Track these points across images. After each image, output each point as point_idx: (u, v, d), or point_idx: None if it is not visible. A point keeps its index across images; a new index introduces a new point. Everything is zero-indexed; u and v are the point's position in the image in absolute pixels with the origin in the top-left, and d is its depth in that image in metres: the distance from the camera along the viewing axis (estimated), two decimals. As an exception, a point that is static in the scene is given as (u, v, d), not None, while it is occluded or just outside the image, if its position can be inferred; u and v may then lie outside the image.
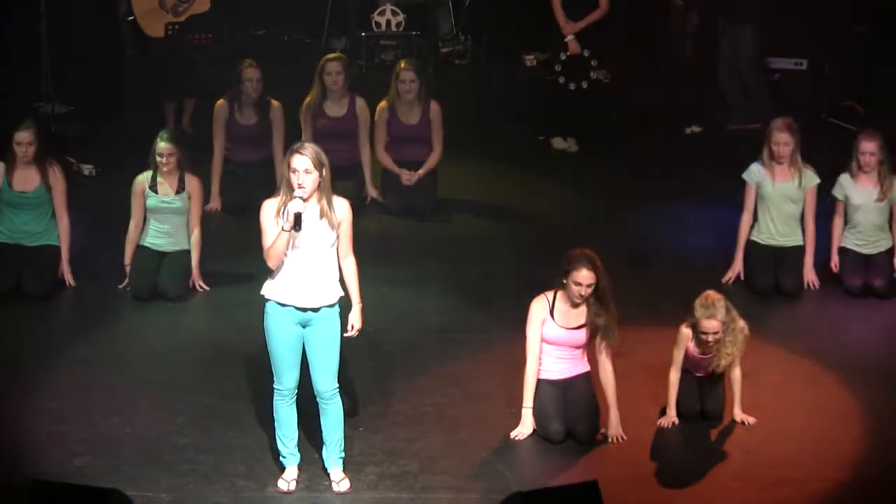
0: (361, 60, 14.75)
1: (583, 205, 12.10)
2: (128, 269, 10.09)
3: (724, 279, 10.20)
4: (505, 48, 15.54)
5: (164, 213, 10.08)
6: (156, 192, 10.05)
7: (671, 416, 8.33)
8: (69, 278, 10.18)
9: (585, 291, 8.03)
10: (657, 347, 8.75)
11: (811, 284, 10.25)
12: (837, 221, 10.31)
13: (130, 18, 13.98)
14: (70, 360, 9.16)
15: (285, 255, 7.42)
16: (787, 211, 10.22)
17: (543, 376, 8.19)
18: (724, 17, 13.86)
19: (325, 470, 7.73)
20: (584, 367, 8.28)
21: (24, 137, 10.03)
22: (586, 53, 13.14)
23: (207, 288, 10.13)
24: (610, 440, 8.14)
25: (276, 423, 7.69)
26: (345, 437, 7.70)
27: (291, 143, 7.80)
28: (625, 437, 8.15)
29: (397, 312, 9.80)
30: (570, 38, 13.13)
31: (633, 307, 8.83)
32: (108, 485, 7.17)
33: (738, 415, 8.35)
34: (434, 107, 11.81)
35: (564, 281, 8.08)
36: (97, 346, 9.35)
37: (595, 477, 6.99)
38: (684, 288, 8.71)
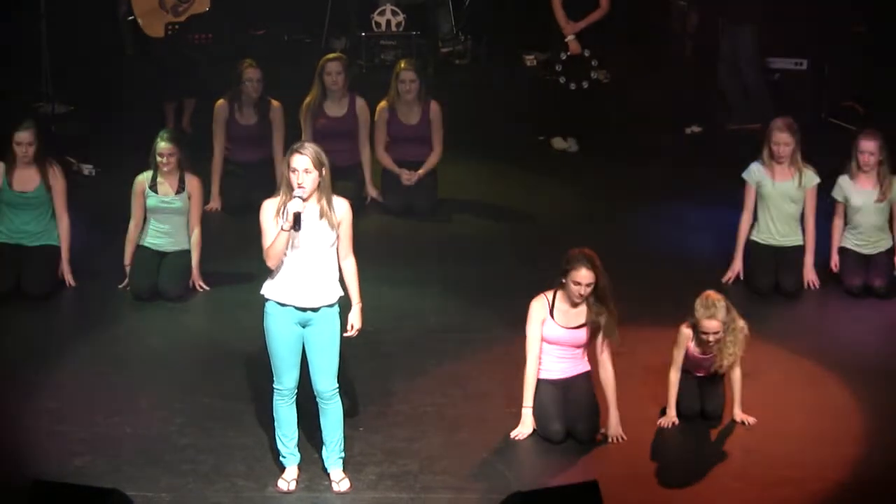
0: (361, 60, 14.75)
1: (583, 205, 12.10)
2: (128, 269, 10.09)
3: (724, 279, 10.20)
4: (505, 48, 15.54)
5: (165, 213, 10.08)
6: (156, 191, 10.05)
7: (671, 416, 8.33)
8: (69, 278, 10.18)
9: (585, 291, 8.03)
10: (657, 347, 8.76)
11: (811, 284, 10.25)
12: (837, 222, 10.31)
13: (130, 18, 13.98)
14: (70, 360, 9.16)
15: (285, 254, 7.42)
16: (787, 211, 10.22)
17: (544, 376, 8.19)
18: (724, 17, 13.86)
19: (324, 470, 7.73)
20: (584, 366, 8.28)
21: (24, 137, 10.03)
22: (587, 53, 13.14)
23: (207, 288, 10.13)
24: (610, 440, 8.14)
25: (275, 423, 7.69)
26: (345, 437, 7.70)
27: (291, 143, 7.80)
28: (625, 437, 8.15)
29: (397, 312, 9.80)
30: (570, 38, 13.13)
31: (633, 307, 8.82)
32: (108, 485, 7.17)
33: (738, 415, 8.35)
34: (434, 107, 11.81)
35: (564, 280, 8.08)
36: (97, 346, 9.35)
37: (595, 477, 6.99)
38: (684, 288, 8.71)
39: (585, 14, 13.14)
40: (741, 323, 8.21)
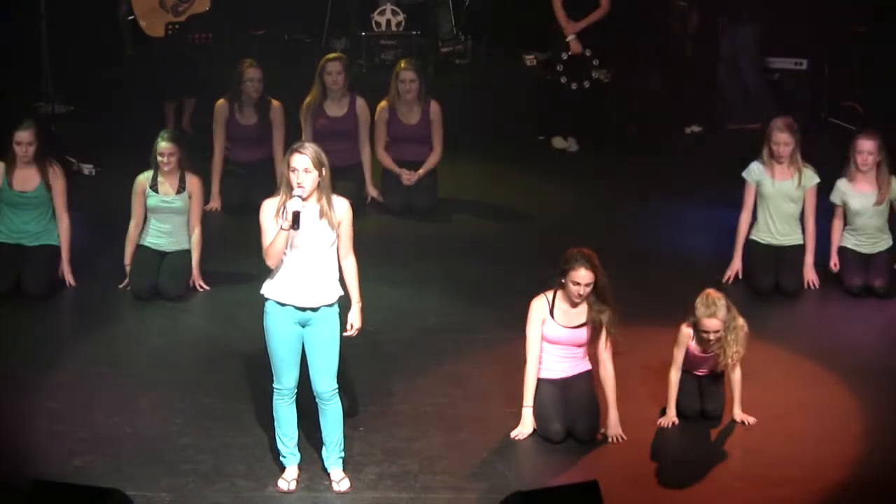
0: (361, 60, 14.73)
1: (583, 205, 12.10)
2: (128, 268, 10.09)
3: (724, 278, 10.20)
4: (505, 48, 15.53)
5: (165, 213, 10.08)
6: (156, 191, 10.05)
7: (671, 416, 8.33)
8: (69, 278, 10.18)
9: (584, 291, 8.03)
10: (657, 347, 8.76)
11: (811, 284, 10.25)
12: (836, 224, 10.30)
13: (130, 18, 13.98)
14: (70, 360, 9.16)
15: (284, 254, 7.42)
16: (787, 210, 10.22)
17: (544, 375, 8.19)
18: (724, 17, 13.86)
19: (324, 470, 7.73)
20: (585, 366, 8.28)
21: (24, 137, 10.03)
22: (588, 53, 13.15)
23: (207, 288, 10.13)
24: (610, 440, 8.14)
25: (275, 423, 7.69)
26: (344, 437, 7.70)
27: (291, 143, 7.81)
28: (624, 437, 8.15)
29: (397, 312, 9.81)
30: (571, 37, 13.14)
31: (633, 307, 8.82)
32: (108, 485, 7.17)
33: (738, 415, 8.35)
34: (434, 107, 11.81)
35: (563, 280, 8.08)
36: (97, 346, 9.35)
37: (595, 477, 6.98)
38: (684, 288, 8.72)
39: (586, 14, 13.15)
40: (741, 321, 8.21)
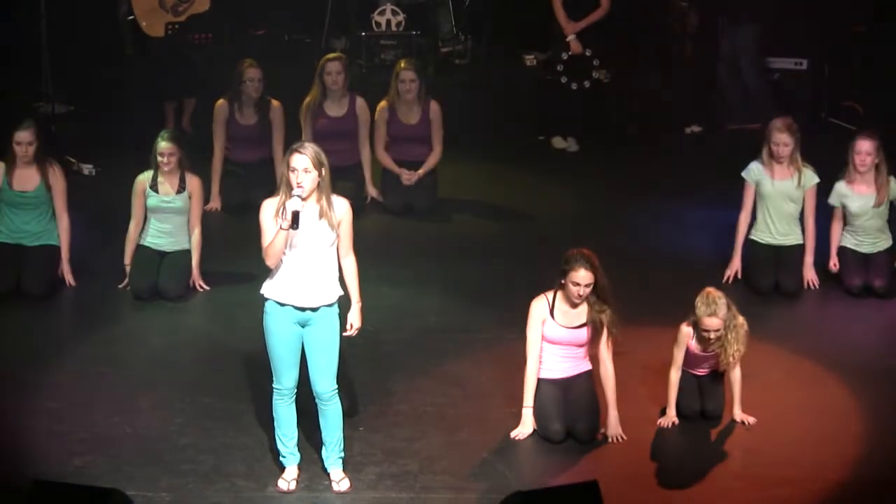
0: (361, 60, 14.74)
1: (583, 205, 12.10)
2: (128, 268, 10.09)
3: (724, 278, 10.20)
4: (505, 48, 15.53)
5: (165, 213, 10.08)
6: (156, 191, 10.05)
7: (671, 416, 8.33)
8: (69, 278, 10.18)
9: (584, 291, 8.02)
10: (657, 347, 8.76)
11: (811, 284, 10.25)
12: (836, 226, 10.28)
13: (130, 18, 13.98)
14: (70, 360, 9.16)
15: (284, 253, 7.42)
16: (786, 210, 10.22)
17: (545, 375, 8.19)
18: (724, 17, 13.86)
19: (324, 470, 7.73)
20: (586, 366, 8.28)
21: (24, 137, 10.03)
22: (588, 53, 13.15)
23: (207, 288, 10.13)
24: (609, 440, 8.14)
25: (275, 423, 7.69)
26: (344, 437, 7.70)
27: (291, 143, 7.81)
28: (624, 437, 8.15)
29: (397, 312, 9.81)
30: (571, 37, 13.14)
31: (633, 307, 8.82)
32: (108, 485, 7.17)
33: (738, 415, 8.35)
34: (434, 107, 11.81)
35: (563, 281, 8.08)
36: (97, 346, 9.35)
37: (595, 477, 6.98)
38: (684, 288, 8.71)
39: (586, 14, 13.15)
40: (741, 319, 8.21)
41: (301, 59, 14.56)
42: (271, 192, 7.62)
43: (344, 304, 7.59)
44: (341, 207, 7.50)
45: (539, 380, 8.17)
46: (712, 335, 8.14)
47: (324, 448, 7.71)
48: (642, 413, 8.40)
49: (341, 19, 15.50)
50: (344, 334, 7.61)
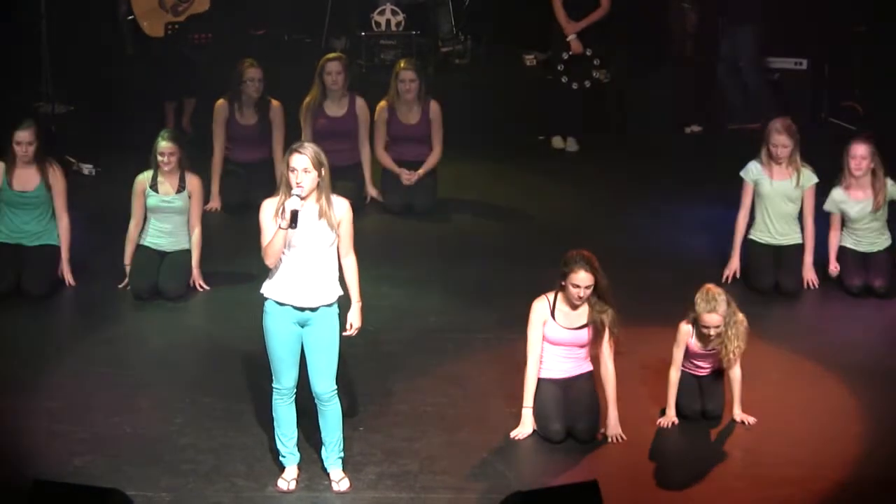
0: (361, 60, 14.74)
1: (583, 205, 12.10)
2: (128, 268, 10.09)
3: (723, 278, 10.20)
4: (505, 48, 15.53)
5: (165, 213, 10.08)
6: (156, 191, 10.05)
7: (671, 416, 8.32)
8: (69, 278, 10.18)
9: (584, 293, 8.02)
10: (657, 347, 8.75)
11: (811, 284, 10.25)
12: (833, 234, 10.26)
13: (130, 18, 13.98)
14: (70, 360, 9.15)
15: (283, 253, 7.42)
16: (785, 210, 10.22)
17: (546, 375, 8.18)
18: (724, 17, 13.86)
19: (324, 470, 7.73)
20: (587, 366, 8.27)
21: (24, 137, 10.03)
22: (588, 53, 13.15)
23: (207, 288, 10.13)
24: (609, 440, 8.14)
25: (275, 423, 7.69)
26: (344, 437, 7.70)
27: (291, 143, 7.81)
28: (624, 437, 8.15)
29: (397, 312, 9.81)
30: (572, 37, 13.14)
31: (633, 307, 8.81)
32: (108, 485, 7.16)
33: (738, 415, 8.35)
34: (434, 106, 11.81)
35: (563, 283, 8.07)
36: (97, 346, 9.35)
37: (595, 477, 6.98)
38: (684, 287, 8.70)
39: (586, 14, 13.15)
40: (741, 316, 8.21)
41: (301, 59, 14.56)
42: (271, 192, 7.61)
43: (344, 303, 7.59)
44: (341, 207, 7.50)
45: (540, 379, 8.17)
46: (712, 332, 8.14)
47: (323, 448, 7.71)
48: (642, 413, 8.40)
49: (341, 19, 15.49)
50: (344, 334, 7.61)
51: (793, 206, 10.22)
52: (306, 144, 7.47)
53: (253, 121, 11.71)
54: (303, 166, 7.34)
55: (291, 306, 7.47)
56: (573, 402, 8.15)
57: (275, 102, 11.73)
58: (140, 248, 10.09)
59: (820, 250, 10.29)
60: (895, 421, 8.42)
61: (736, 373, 8.31)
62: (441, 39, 15.34)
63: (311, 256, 7.43)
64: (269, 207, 7.46)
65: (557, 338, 8.15)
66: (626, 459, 8.00)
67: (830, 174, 10.29)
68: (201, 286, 10.13)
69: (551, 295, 8.17)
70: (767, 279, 10.16)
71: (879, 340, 9.58)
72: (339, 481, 7.67)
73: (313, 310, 7.48)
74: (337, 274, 7.54)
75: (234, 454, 7.97)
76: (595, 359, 8.24)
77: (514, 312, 8.75)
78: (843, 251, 10.28)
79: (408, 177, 11.75)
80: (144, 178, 10.10)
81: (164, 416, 8.39)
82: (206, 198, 11.15)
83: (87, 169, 12.54)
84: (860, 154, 10.13)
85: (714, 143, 13.55)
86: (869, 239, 10.26)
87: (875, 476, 7.84)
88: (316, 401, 7.59)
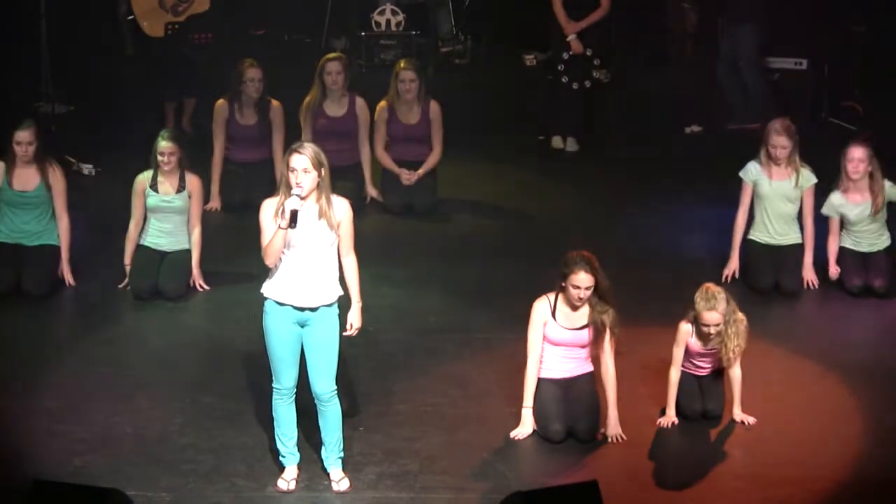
0: (361, 60, 14.75)
1: (583, 205, 12.10)
2: (128, 268, 10.09)
3: (722, 278, 10.19)
4: (505, 48, 15.54)
5: (165, 213, 10.08)
6: (156, 191, 10.05)
7: (671, 416, 8.32)
8: (69, 278, 10.18)
9: (584, 294, 8.02)
10: (657, 347, 8.75)
11: (811, 284, 10.24)
12: (832, 238, 10.25)
13: (130, 18, 13.99)
14: (70, 360, 9.15)
15: (283, 253, 7.42)
16: (784, 210, 10.21)
17: (547, 375, 8.18)
18: (724, 17, 13.87)
19: (324, 469, 7.73)
20: (588, 367, 8.27)
21: (23, 137, 10.03)
22: (588, 53, 13.15)
23: (207, 287, 10.13)
24: (609, 440, 8.14)
25: (275, 423, 7.69)
26: (344, 437, 7.70)
27: (291, 143, 7.81)
28: (624, 437, 8.15)
29: (397, 312, 9.80)
30: (572, 37, 13.14)
31: (633, 307, 8.82)
32: (108, 485, 7.16)
33: (738, 415, 8.35)
34: (434, 106, 11.81)
35: (563, 284, 8.07)
36: (97, 346, 9.35)
37: (595, 477, 6.98)
38: (684, 287, 8.70)
39: (586, 14, 13.14)
40: (741, 315, 8.21)
41: (301, 59, 14.57)
42: (271, 192, 7.62)
43: (344, 303, 7.59)
44: (341, 207, 7.50)
45: (540, 379, 8.17)
46: (712, 330, 8.14)
47: (323, 448, 7.71)
48: (642, 413, 8.40)
49: (341, 19, 15.51)
50: (344, 334, 7.61)
51: (792, 206, 10.22)
52: (306, 144, 7.47)
53: (253, 121, 11.70)
54: (302, 166, 7.34)
55: (291, 306, 7.47)
56: (574, 401, 8.15)
57: (275, 102, 11.73)
58: (140, 248, 10.09)
59: (820, 250, 10.29)
60: (895, 421, 8.42)
61: (736, 373, 8.30)
62: (441, 39, 15.36)
63: (310, 256, 7.43)
64: (269, 207, 7.46)
65: (558, 338, 8.15)
66: (626, 459, 8.00)
67: (830, 174, 10.28)
68: (201, 286, 10.13)
69: (552, 295, 8.16)
70: (767, 279, 10.16)
71: (879, 340, 9.58)
72: (339, 481, 7.67)
73: (313, 310, 7.48)
74: (337, 274, 7.54)
75: (234, 454, 7.97)
76: (595, 359, 8.24)
77: (514, 312, 8.75)
78: (842, 251, 10.28)
79: (408, 177, 11.75)
80: (144, 177, 10.10)
81: (164, 416, 8.39)
82: (206, 198, 11.15)
83: (87, 169, 12.54)
84: (857, 157, 10.13)
85: (714, 143, 13.55)
86: (868, 239, 10.27)
87: (875, 476, 7.84)
88: (316, 401, 7.58)
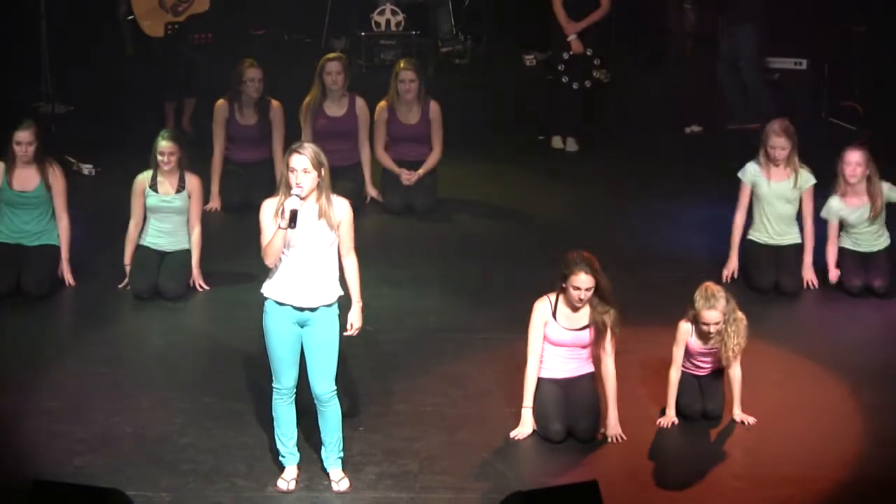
0: (361, 60, 14.74)
1: (583, 205, 12.09)
2: (128, 268, 10.09)
3: (722, 278, 10.19)
4: (505, 48, 15.54)
5: (165, 213, 10.08)
6: (156, 191, 10.06)
7: (671, 416, 8.32)
8: (69, 278, 10.18)
9: (585, 295, 8.02)
10: (657, 347, 8.75)
11: (810, 284, 10.24)
12: (831, 244, 10.22)
13: (130, 18, 13.99)
14: (70, 360, 9.15)
15: (283, 253, 7.42)
16: (783, 211, 10.21)
17: (547, 375, 8.18)
18: (724, 17, 13.86)
19: (324, 469, 7.73)
20: (589, 367, 8.27)
21: (23, 137, 10.03)
22: (589, 53, 13.15)
23: (207, 287, 10.13)
24: (609, 440, 8.14)
25: (275, 423, 7.69)
26: (344, 437, 7.70)
27: (291, 143, 7.81)
28: (624, 437, 8.15)
29: (397, 312, 9.80)
30: (572, 37, 13.14)
31: (632, 307, 8.81)
32: (108, 485, 7.17)
33: (738, 415, 8.35)
34: (434, 106, 11.81)
35: (563, 285, 8.07)
36: (97, 346, 9.35)
37: (595, 477, 6.98)
38: (684, 287, 8.70)
39: (586, 14, 13.15)
40: (740, 314, 8.21)
41: (301, 59, 14.56)
42: (271, 192, 7.62)
43: (344, 303, 7.59)
44: (341, 207, 7.50)
45: (540, 379, 8.17)
46: (712, 328, 8.14)
47: (323, 448, 7.71)
48: (642, 413, 8.40)
49: (341, 19, 15.50)
50: (344, 334, 7.61)
51: (791, 207, 10.22)
52: (306, 145, 7.47)
53: (253, 121, 11.71)
54: (302, 166, 7.34)
55: (291, 306, 7.47)
56: (574, 401, 8.15)
57: (275, 102, 11.73)
58: (140, 248, 10.09)
59: (819, 250, 10.29)
60: (895, 421, 8.42)
61: (736, 373, 8.30)
62: (441, 39, 15.35)
63: (310, 256, 7.43)
64: (269, 207, 7.46)
65: (559, 339, 8.15)
66: (626, 459, 8.00)
67: (830, 174, 10.28)
68: (201, 286, 10.13)
69: (553, 296, 8.16)
70: (767, 279, 10.16)
71: (879, 340, 9.58)
72: (339, 481, 7.67)
73: (313, 310, 7.47)
74: (337, 274, 7.54)
75: (234, 454, 7.97)
76: (596, 358, 8.24)
77: (514, 312, 8.75)
78: (842, 252, 10.28)
79: (408, 177, 11.75)
80: (144, 177, 10.10)
81: (164, 416, 8.39)
82: (206, 198, 11.15)
83: (87, 169, 12.54)
84: (855, 161, 10.12)
85: (714, 143, 13.55)
86: (868, 240, 10.27)
87: (875, 476, 7.84)
88: (315, 401, 7.58)
